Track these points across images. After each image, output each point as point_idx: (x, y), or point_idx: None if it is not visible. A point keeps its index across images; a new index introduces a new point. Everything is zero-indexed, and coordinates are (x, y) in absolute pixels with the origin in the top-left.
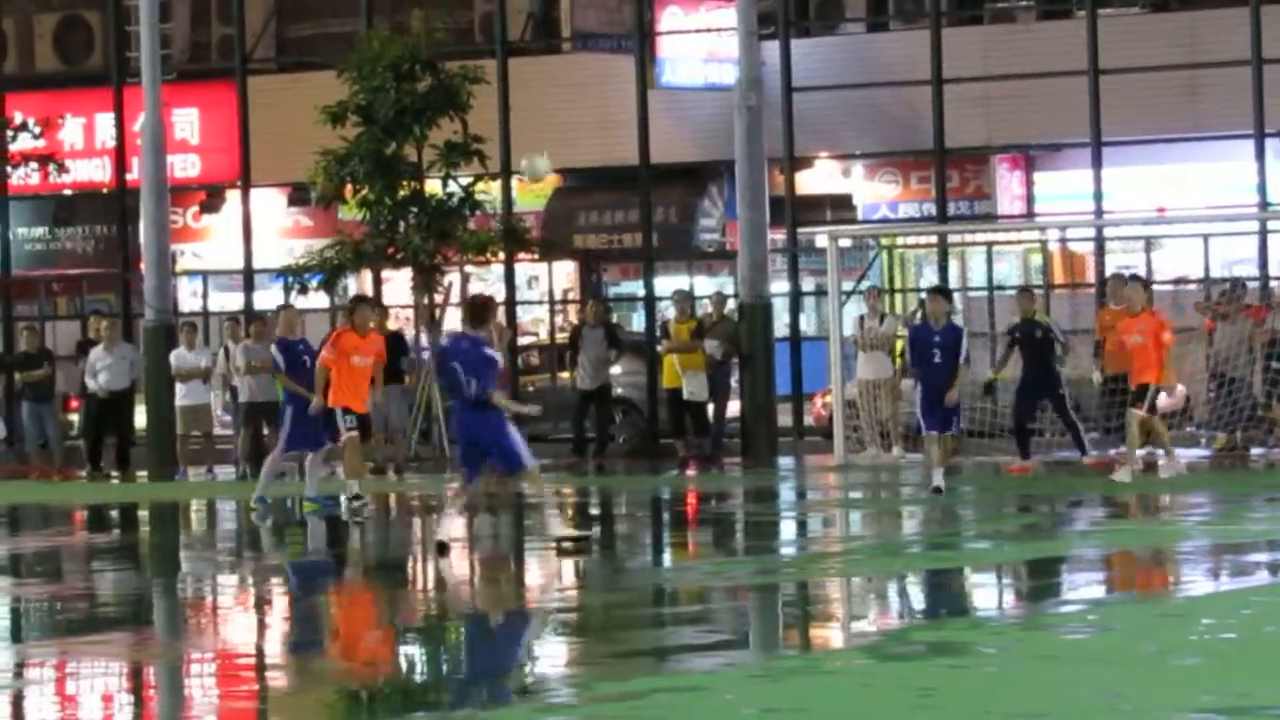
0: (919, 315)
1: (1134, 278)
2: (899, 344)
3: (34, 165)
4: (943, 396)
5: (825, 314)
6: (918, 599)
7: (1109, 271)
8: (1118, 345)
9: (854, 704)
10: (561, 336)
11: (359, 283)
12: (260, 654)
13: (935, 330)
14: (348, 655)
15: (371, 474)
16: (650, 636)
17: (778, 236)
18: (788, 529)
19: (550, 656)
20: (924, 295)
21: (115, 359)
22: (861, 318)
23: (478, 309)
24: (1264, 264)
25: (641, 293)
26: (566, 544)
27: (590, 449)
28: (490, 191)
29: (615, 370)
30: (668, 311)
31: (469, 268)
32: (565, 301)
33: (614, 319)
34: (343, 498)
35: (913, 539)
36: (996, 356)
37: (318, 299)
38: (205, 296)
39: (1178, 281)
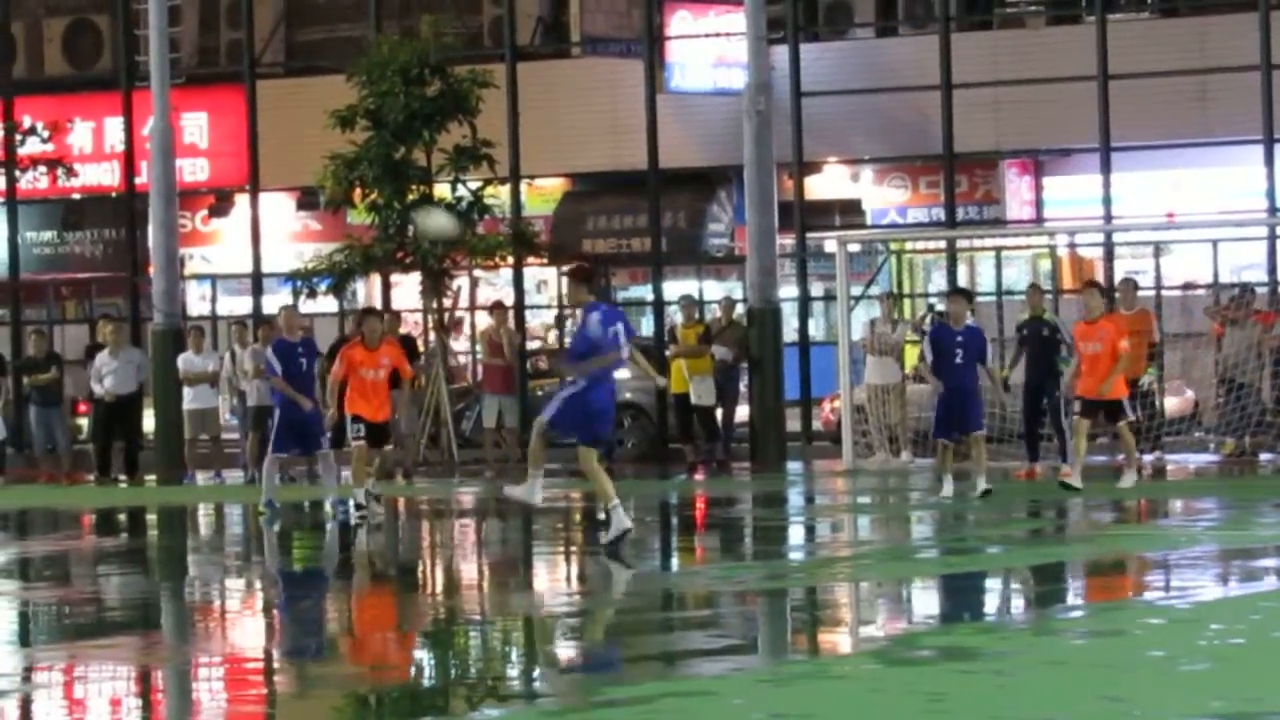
0: (928, 320)
1: (1090, 283)
2: (908, 349)
3: (43, 169)
4: (962, 398)
5: (834, 319)
6: (926, 604)
7: (1118, 276)
8: (1077, 352)
9: (862, 709)
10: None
11: (368, 287)
12: (268, 658)
13: (956, 331)
14: (355, 659)
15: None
16: (659, 641)
17: (786, 241)
18: (796, 534)
19: (559, 660)
20: (931, 301)
21: (121, 363)
22: (873, 322)
23: (588, 272)
24: (1273, 269)
25: (650, 298)
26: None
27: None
28: (499, 196)
29: (623, 375)
30: (675, 316)
31: (478, 272)
32: (573, 306)
33: None
34: (351, 502)
35: (921, 544)
36: (1005, 358)
37: (327, 303)
38: (214, 300)
39: (1186, 287)
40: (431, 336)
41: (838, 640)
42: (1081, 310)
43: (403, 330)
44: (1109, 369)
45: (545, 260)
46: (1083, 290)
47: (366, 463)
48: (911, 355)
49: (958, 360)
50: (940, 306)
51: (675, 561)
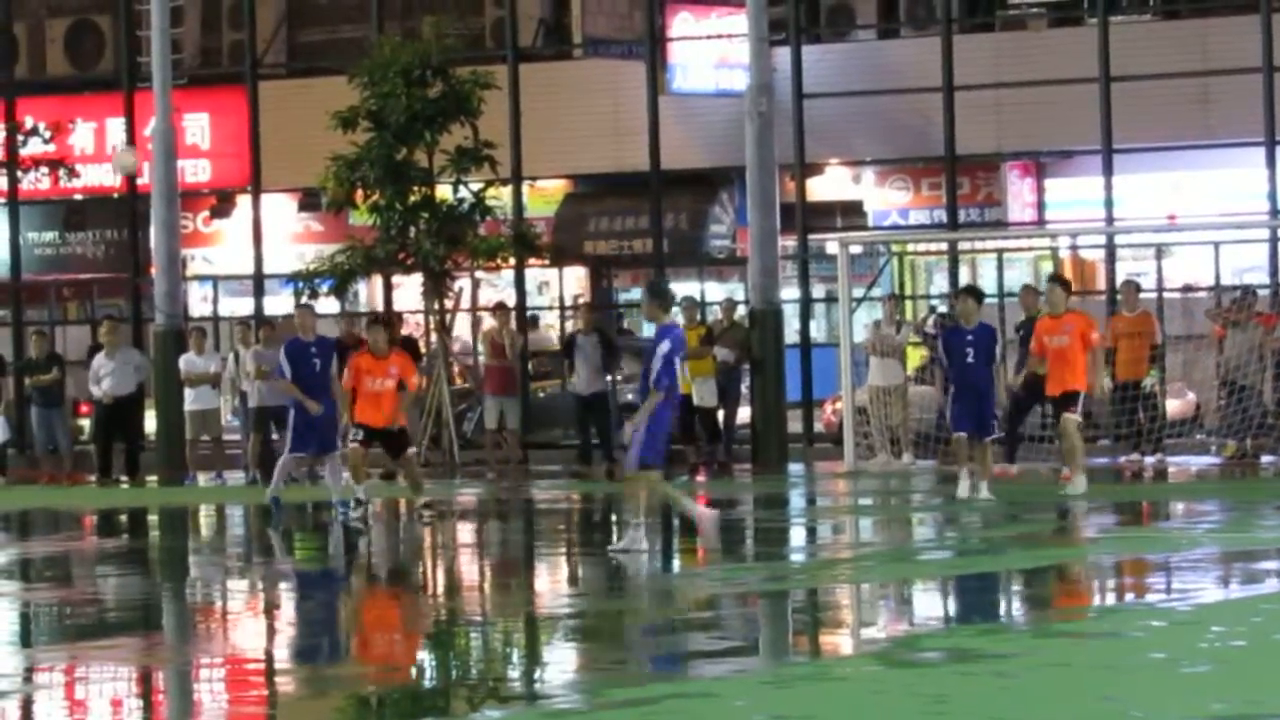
0: (930, 321)
1: (1054, 277)
2: (909, 351)
3: (45, 170)
4: (975, 397)
5: (836, 320)
6: (928, 606)
7: (1119, 279)
8: (1038, 347)
9: (864, 711)
10: None
11: (369, 288)
12: (269, 659)
13: (967, 331)
14: (356, 660)
15: (382, 479)
16: (661, 642)
17: (788, 243)
18: (798, 535)
19: (561, 662)
20: (933, 303)
21: (118, 364)
22: (876, 324)
23: (668, 293)
24: (1274, 271)
25: None
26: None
27: (597, 456)
28: (501, 197)
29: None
30: (677, 318)
31: (480, 273)
32: (575, 307)
33: (625, 324)
34: (352, 502)
35: (923, 546)
36: (1008, 359)
37: (328, 304)
38: (215, 301)
39: (1188, 289)
40: (433, 338)
41: (839, 642)
42: (1044, 305)
43: (404, 332)
44: (1078, 363)
45: (547, 262)
46: (1046, 285)
47: (365, 462)
48: (914, 357)
49: (969, 359)
50: (942, 308)
51: (677, 563)
